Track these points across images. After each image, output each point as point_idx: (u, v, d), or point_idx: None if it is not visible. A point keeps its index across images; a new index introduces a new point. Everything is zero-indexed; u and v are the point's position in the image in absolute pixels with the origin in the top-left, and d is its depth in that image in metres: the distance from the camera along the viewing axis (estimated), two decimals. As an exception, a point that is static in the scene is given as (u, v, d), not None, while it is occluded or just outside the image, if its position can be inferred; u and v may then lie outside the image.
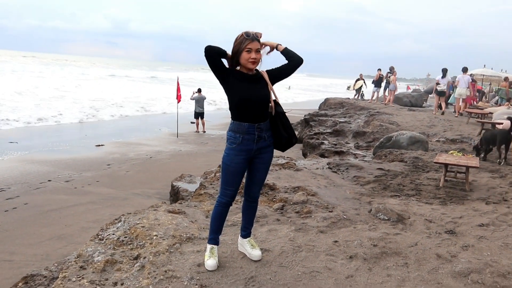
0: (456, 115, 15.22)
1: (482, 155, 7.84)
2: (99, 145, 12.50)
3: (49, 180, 8.57)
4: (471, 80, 15.34)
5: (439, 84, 15.53)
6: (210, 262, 3.08)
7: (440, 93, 15.63)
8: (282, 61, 3.08)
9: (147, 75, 56.20)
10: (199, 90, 16.70)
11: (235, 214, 4.29)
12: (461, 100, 15.73)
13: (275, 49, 3.06)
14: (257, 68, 3.00)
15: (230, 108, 2.98)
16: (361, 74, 23.86)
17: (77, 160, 10.45)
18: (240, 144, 2.94)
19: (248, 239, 3.34)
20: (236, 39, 2.88)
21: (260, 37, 2.91)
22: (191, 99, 16.65)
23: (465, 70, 15.05)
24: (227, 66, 2.96)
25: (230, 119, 3.01)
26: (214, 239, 3.18)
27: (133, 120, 18.99)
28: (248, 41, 2.84)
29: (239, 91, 2.89)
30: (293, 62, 3.04)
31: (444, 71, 15.42)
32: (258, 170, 3.10)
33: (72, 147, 12.12)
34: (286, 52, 3.04)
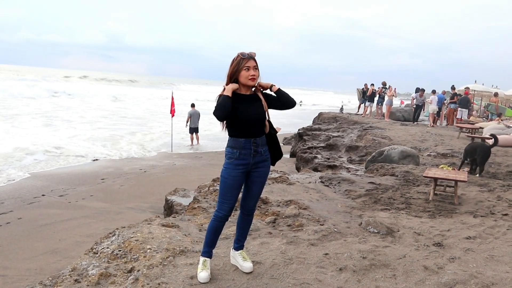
0: (432, 125, 17.99)
1: (468, 168, 8.03)
2: (95, 160, 12.55)
3: (43, 195, 8.59)
4: (437, 99, 18.93)
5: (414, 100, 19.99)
6: (203, 274, 3.15)
7: (417, 107, 19.93)
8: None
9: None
10: (193, 105, 16.73)
11: (228, 228, 4.35)
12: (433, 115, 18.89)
13: (269, 90, 3.16)
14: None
15: (227, 126, 3.10)
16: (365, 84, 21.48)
17: (72, 175, 10.48)
18: (238, 158, 3.06)
19: (240, 251, 3.41)
20: (233, 60, 3.01)
21: (255, 56, 3.04)
22: (187, 122, 16.36)
23: (434, 92, 19.10)
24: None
25: (228, 136, 3.13)
26: (207, 252, 3.25)
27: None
28: (245, 60, 2.98)
29: (238, 113, 3.00)
30: (284, 103, 3.14)
31: (417, 89, 19.66)
32: (254, 183, 3.19)
33: (66, 161, 12.15)
34: (280, 94, 3.14)
